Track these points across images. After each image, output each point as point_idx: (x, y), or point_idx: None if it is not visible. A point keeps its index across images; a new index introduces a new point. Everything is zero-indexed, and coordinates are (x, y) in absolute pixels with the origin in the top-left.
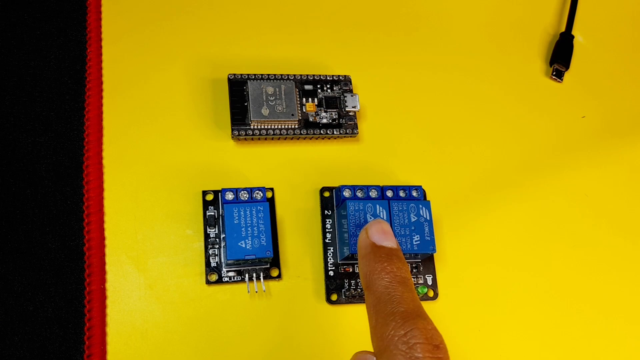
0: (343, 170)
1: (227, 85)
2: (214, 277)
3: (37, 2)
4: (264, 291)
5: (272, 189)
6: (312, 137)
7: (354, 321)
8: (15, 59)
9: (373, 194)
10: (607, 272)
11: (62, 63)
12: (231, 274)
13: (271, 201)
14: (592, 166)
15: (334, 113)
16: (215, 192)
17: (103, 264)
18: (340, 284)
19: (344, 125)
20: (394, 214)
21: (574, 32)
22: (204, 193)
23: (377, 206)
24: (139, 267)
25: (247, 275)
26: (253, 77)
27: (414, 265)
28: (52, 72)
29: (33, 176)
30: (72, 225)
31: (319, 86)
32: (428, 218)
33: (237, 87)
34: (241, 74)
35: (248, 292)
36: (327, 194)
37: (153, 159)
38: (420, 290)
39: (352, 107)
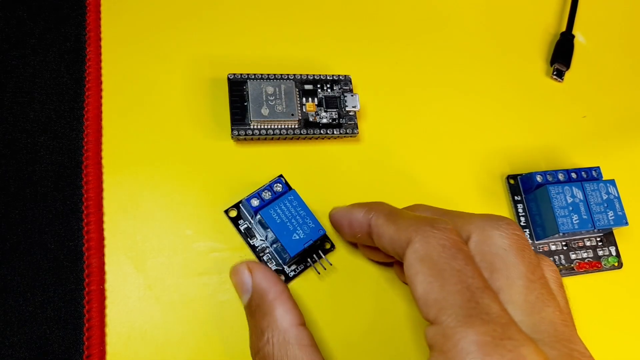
0: (343, 170)
1: (227, 85)
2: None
3: (36, 1)
4: (331, 265)
5: (281, 175)
6: (312, 137)
7: None
8: (13, 58)
9: (561, 177)
10: None
11: (61, 62)
12: (293, 266)
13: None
14: (592, 163)
15: (334, 113)
16: (235, 206)
17: (102, 264)
18: None
19: (344, 125)
20: (587, 193)
21: (574, 32)
22: (226, 212)
23: (574, 188)
24: (138, 268)
25: (308, 260)
26: (253, 76)
27: (598, 239)
28: (51, 72)
29: (32, 176)
30: (72, 225)
31: (319, 86)
32: (617, 195)
33: (237, 86)
34: (241, 74)
35: (318, 273)
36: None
37: (152, 159)
38: (610, 261)
39: (352, 106)
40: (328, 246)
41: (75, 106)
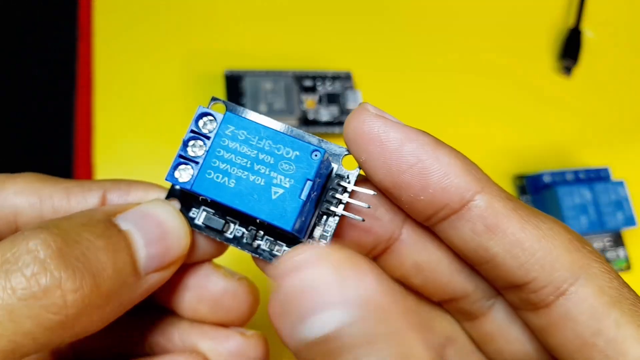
0: None
1: (224, 81)
2: None
3: None
4: (370, 207)
5: (214, 98)
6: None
7: None
8: (5, 56)
9: (569, 177)
10: None
11: (53, 58)
12: (317, 230)
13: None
14: (601, 161)
15: (334, 110)
16: (172, 194)
17: None
18: None
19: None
20: (596, 194)
21: (582, 27)
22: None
23: (582, 189)
24: None
25: (327, 206)
26: (250, 73)
27: (607, 240)
28: (43, 69)
29: None
30: None
31: (318, 82)
32: (626, 196)
33: (234, 83)
34: (238, 70)
35: (362, 220)
36: None
37: (147, 159)
38: (619, 263)
39: (354, 104)
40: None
41: (66, 105)
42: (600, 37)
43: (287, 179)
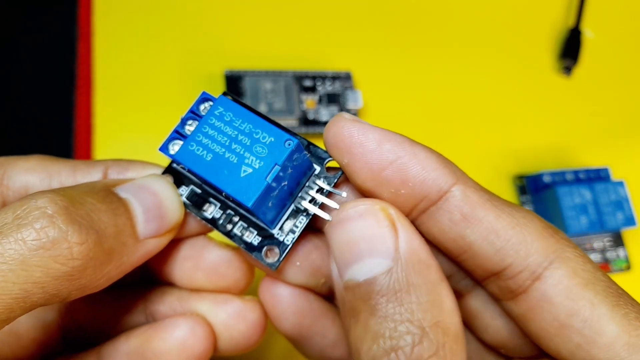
0: None
1: (224, 81)
2: (275, 254)
3: None
4: (344, 195)
5: (226, 93)
6: (313, 135)
7: None
8: (5, 55)
9: (569, 177)
10: None
11: (53, 58)
12: (288, 224)
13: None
14: (601, 161)
15: (334, 110)
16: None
17: None
18: None
19: None
20: (596, 194)
21: (582, 27)
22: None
23: (582, 189)
24: None
25: (301, 202)
26: (250, 73)
27: (607, 241)
28: (42, 69)
29: None
30: None
31: (319, 82)
32: (626, 196)
33: (234, 83)
34: (238, 70)
35: (330, 219)
36: None
37: (146, 159)
38: (619, 263)
39: (354, 104)
40: (334, 164)
41: (66, 104)
42: (600, 37)
43: (258, 161)
